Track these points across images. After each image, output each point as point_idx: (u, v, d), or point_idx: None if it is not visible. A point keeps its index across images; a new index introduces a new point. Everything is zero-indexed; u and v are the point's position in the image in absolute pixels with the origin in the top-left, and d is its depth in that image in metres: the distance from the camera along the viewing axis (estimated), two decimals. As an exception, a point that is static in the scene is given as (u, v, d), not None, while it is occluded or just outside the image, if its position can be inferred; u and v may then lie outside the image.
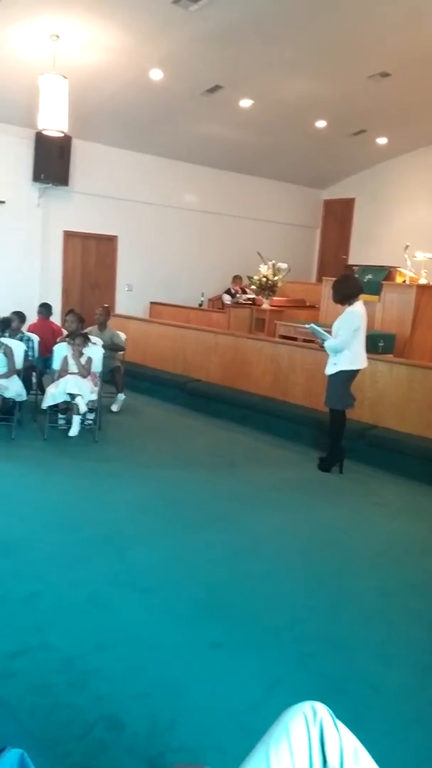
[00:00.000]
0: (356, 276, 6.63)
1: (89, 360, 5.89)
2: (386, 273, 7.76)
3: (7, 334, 6.11)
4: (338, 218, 12.24)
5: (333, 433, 5.17)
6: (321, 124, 9.27)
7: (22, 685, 2.36)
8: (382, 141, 10.16)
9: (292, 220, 12.07)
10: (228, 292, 10.49)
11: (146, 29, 6.45)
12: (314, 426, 5.81)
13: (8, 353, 5.69)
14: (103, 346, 6.27)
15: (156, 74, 7.42)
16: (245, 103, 8.42)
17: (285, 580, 3.39)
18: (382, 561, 3.74)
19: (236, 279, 10.63)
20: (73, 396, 5.56)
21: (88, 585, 3.15)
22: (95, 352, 6.03)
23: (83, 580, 3.21)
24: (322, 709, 1.30)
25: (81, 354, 5.86)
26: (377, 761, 1.29)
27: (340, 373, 4.99)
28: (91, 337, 6.25)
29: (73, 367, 5.80)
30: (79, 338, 5.89)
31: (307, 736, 1.26)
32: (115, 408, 6.84)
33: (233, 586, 3.27)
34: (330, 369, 5.04)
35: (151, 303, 10.31)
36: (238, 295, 10.39)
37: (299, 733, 1.26)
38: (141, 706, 2.30)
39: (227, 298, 10.34)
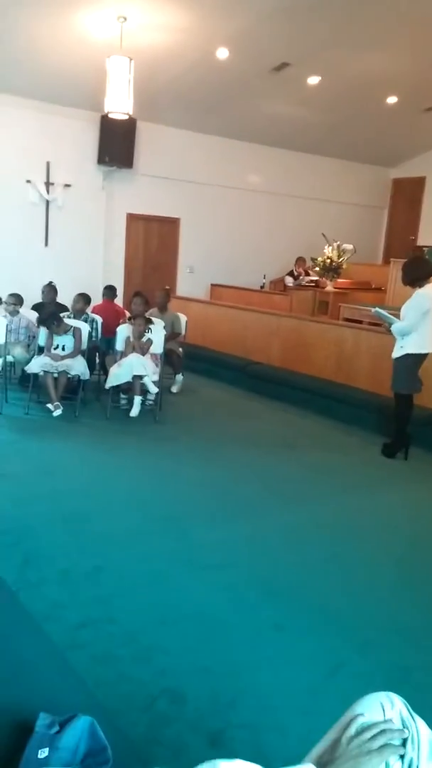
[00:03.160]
0: (427, 257, 6.40)
1: (149, 341, 5.94)
2: (458, 254, 7.47)
3: (72, 315, 6.27)
4: (407, 197, 11.83)
5: (398, 419, 5.04)
6: (392, 100, 8.94)
7: (88, 656, 2.42)
8: (455, 116, 9.73)
9: (359, 199, 11.76)
10: (291, 274, 10.35)
11: (213, 7, 6.36)
12: (379, 411, 5.67)
13: (76, 334, 5.82)
14: (164, 328, 6.30)
15: (222, 53, 7.32)
16: (313, 80, 8.21)
17: (347, 565, 3.34)
18: (448, 551, 3.63)
19: (299, 261, 10.47)
20: (141, 376, 5.63)
21: (151, 561, 3.20)
22: (156, 334, 6.07)
23: (146, 556, 3.26)
24: (399, 702, 1.26)
25: (142, 335, 5.91)
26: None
27: (407, 357, 4.85)
28: (153, 319, 6.29)
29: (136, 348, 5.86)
30: (140, 319, 5.94)
31: None
32: (174, 389, 6.89)
33: (295, 569, 3.25)
34: (397, 352, 4.91)
35: (212, 285, 10.29)
36: (301, 277, 10.24)
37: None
38: (203, 681, 2.32)
39: (289, 280, 10.21)
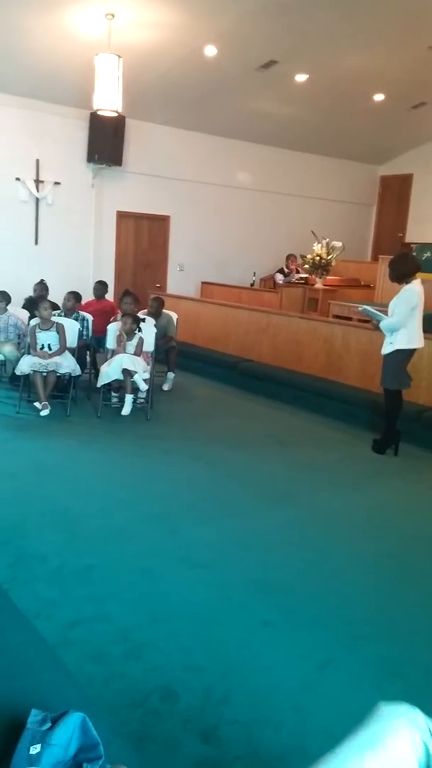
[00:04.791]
0: (414, 254, 6.44)
1: (141, 340, 5.93)
2: (446, 251, 7.52)
3: (63, 313, 6.25)
4: (395, 195, 11.88)
5: (388, 414, 5.07)
6: (379, 97, 8.97)
7: (80, 653, 2.43)
8: (443, 114, 9.77)
9: (348, 197, 11.79)
10: (281, 271, 10.35)
11: (201, 5, 6.35)
12: (369, 407, 5.71)
13: (60, 330, 5.80)
14: (157, 333, 6.28)
15: (210, 51, 7.31)
16: (300, 77, 8.22)
17: (337, 561, 3.36)
18: (438, 545, 3.66)
19: (291, 257, 10.44)
20: (131, 373, 5.62)
21: (143, 560, 3.21)
22: (147, 333, 6.06)
23: (137, 554, 3.26)
24: (424, 724, 1.19)
25: (132, 333, 5.89)
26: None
27: (397, 353, 4.88)
28: (144, 317, 6.27)
29: (128, 347, 5.85)
30: (129, 318, 5.91)
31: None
32: (166, 387, 6.89)
33: (285, 566, 3.26)
34: (386, 348, 4.93)
35: (203, 283, 10.29)
36: (291, 275, 10.25)
37: (402, 746, 1.16)
38: (194, 679, 2.33)
39: (280, 278, 10.21)
